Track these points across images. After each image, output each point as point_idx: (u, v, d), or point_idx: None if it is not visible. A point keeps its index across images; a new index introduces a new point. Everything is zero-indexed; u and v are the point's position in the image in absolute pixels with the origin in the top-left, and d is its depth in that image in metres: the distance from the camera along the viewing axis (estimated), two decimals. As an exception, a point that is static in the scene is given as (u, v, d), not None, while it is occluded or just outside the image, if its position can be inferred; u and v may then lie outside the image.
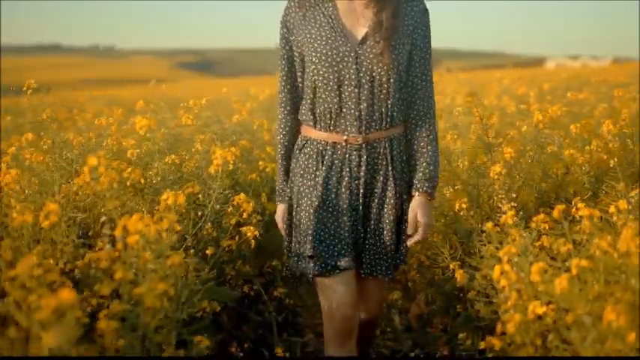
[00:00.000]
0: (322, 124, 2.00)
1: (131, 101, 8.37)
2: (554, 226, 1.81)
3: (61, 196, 1.97)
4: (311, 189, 2.01)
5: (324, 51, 1.96)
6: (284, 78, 2.07)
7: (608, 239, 1.50)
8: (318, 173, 2.01)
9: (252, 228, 2.25)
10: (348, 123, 1.97)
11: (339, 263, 1.98)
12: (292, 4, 2.04)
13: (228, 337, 2.56)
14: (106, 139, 2.71)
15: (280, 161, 2.11)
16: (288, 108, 2.08)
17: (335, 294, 1.99)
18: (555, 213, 1.61)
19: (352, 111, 1.96)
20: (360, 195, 2.00)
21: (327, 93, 1.97)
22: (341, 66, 1.96)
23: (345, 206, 1.99)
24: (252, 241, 2.28)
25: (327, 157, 2.00)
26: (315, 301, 2.63)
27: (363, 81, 1.95)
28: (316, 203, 1.98)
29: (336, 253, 1.98)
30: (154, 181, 2.26)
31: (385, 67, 1.95)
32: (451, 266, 2.19)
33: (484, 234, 1.85)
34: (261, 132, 4.04)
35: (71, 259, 1.78)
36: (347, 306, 1.99)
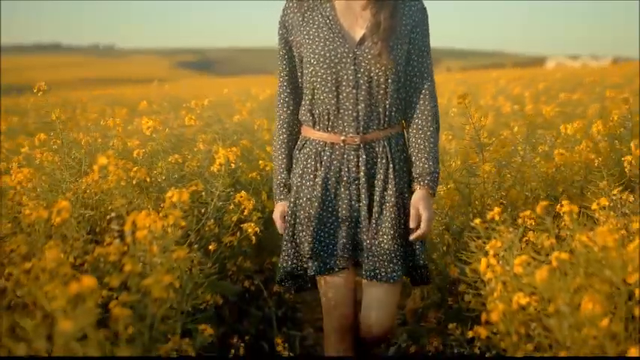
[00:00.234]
0: (321, 125, 2.01)
1: (133, 101, 8.46)
2: (540, 223, 1.91)
3: (71, 194, 2.06)
4: (310, 189, 2.02)
5: (322, 52, 1.97)
6: (285, 78, 2.07)
7: (589, 234, 1.59)
8: (317, 174, 2.01)
9: (252, 224, 2.35)
10: (345, 123, 1.98)
11: (337, 262, 1.99)
12: (291, 4, 2.05)
13: (229, 330, 2.65)
14: (112, 139, 2.81)
15: (280, 160, 2.10)
16: (290, 108, 2.08)
17: (333, 293, 2.02)
18: (538, 209, 1.70)
19: (350, 111, 1.97)
20: (361, 195, 1.99)
21: (325, 94, 1.98)
22: (339, 67, 1.96)
23: (344, 207, 1.99)
24: (253, 237, 2.37)
25: (325, 158, 2.00)
26: (313, 296, 2.73)
27: (361, 82, 1.96)
28: (316, 204, 1.99)
29: (334, 253, 1.99)
30: (159, 180, 2.36)
31: (383, 68, 1.96)
32: (443, 262, 2.28)
33: (473, 230, 1.95)
34: (261, 132, 4.13)
35: (81, 253, 1.87)
36: (344, 305, 2.02)
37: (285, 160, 2.10)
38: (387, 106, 1.99)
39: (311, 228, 1.99)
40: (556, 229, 1.74)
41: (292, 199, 2.04)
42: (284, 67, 2.07)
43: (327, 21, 2.00)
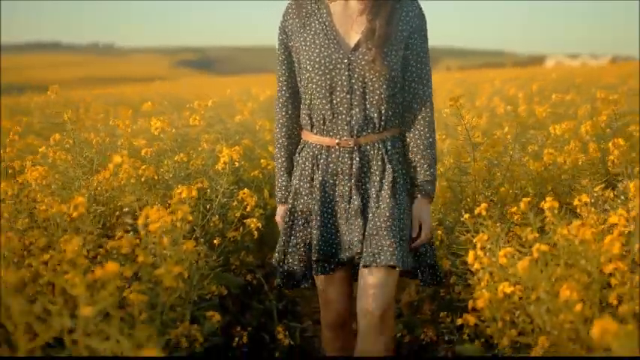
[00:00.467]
0: (317, 129, 2.04)
1: (135, 100, 8.58)
2: (525, 218, 2.03)
3: (85, 191, 2.19)
4: (307, 191, 2.06)
5: (318, 59, 1.99)
6: (284, 83, 2.11)
7: (570, 228, 1.72)
8: (314, 176, 2.05)
9: (255, 220, 2.47)
10: (340, 127, 2.00)
11: (333, 264, 2.04)
12: (291, 10, 2.07)
13: (233, 321, 2.77)
14: (120, 138, 2.93)
15: (280, 163, 2.14)
16: (289, 112, 2.11)
17: (329, 291, 2.09)
18: (522, 205, 1.82)
19: (344, 116, 2.00)
20: (352, 197, 2.01)
21: (319, 99, 2.01)
22: (334, 73, 1.98)
23: (340, 208, 2.03)
24: (255, 232, 2.49)
25: (322, 161, 2.04)
26: (312, 291, 2.85)
27: (355, 87, 1.98)
28: (314, 206, 2.03)
29: (331, 254, 2.04)
30: (167, 178, 2.48)
31: (377, 75, 1.97)
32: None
33: (464, 225, 2.08)
34: (262, 132, 4.26)
35: (95, 246, 1.99)
36: (339, 302, 2.10)
37: (284, 164, 2.14)
38: (383, 111, 2.01)
39: (309, 230, 2.05)
40: (540, 224, 1.86)
41: (291, 201, 2.09)
42: (283, 71, 2.10)
43: (324, 27, 2.02)
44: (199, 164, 2.82)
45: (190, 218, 1.93)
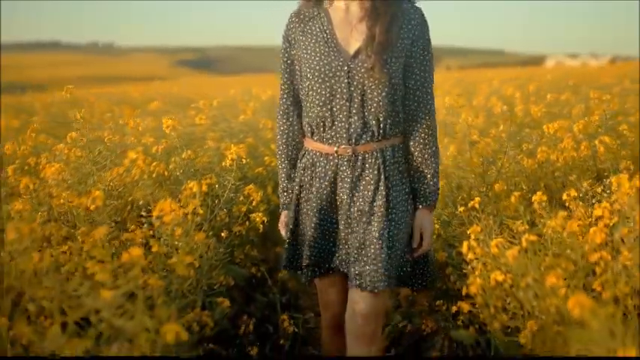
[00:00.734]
0: (317, 136, 2.04)
1: (138, 100, 8.70)
2: (516, 211, 2.15)
3: (102, 186, 2.30)
4: (305, 197, 2.08)
5: (317, 67, 1.99)
6: (286, 91, 2.12)
7: (557, 220, 1.83)
8: (312, 183, 2.06)
9: (260, 214, 2.58)
10: (338, 135, 2.00)
11: (328, 268, 2.08)
12: (294, 19, 2.07)
13: (239, 311, 2.89)
14: (129, 137, 3.04)
15: (282, 169, 2.16)
16: (290, 119, 2.12)
17: (326, 295, 2.15)
18: (512, 199, 1.94)
19: (343, 123, 1.99)
20: (347, 204, 2.01)
21: (319, 107, 2.00)
22: (333, 81, 1.98)
23: (334, 217, 2.04)
24: (260, 226, 2.60)
25: (319, 168, 2.04)
26: (314, 286, 2.97)
27: (354, 95, 1.97)
28: (311, 213, 2.05)
29: (327, 260, 2.07)
30: (177, 174, 2.60)
31: (376, 82, 1.95)
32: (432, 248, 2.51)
33: (459, 218, 2.20)
34: (265, 131, 4.38)
35: (111, 238, 2.10)
36: (335, 305, 2.15)
37: (285, 170, 2.15)
38: (382, 119, 1.99)
39: (307, 236, 2.06)
40: (530, 217, 1.98)
41: (292, 207, 2.11)
42: (286, 79, 2.11)
43: (324, 35, 2.02)
44: (206, 161, 2.94)
45: (201, 211, 2.05)
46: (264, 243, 3.48)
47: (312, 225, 2.04)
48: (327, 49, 2.00)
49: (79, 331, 1.31)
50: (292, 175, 2.15)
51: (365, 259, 1.98)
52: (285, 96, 2.13)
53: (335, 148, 2.01)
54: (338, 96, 1.98)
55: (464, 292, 1.83)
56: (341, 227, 2.03)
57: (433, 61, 2.06)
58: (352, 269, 2.00)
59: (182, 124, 3.45)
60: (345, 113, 1.98)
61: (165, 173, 2.50)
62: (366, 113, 1.98)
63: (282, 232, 2.19)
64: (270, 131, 4.42)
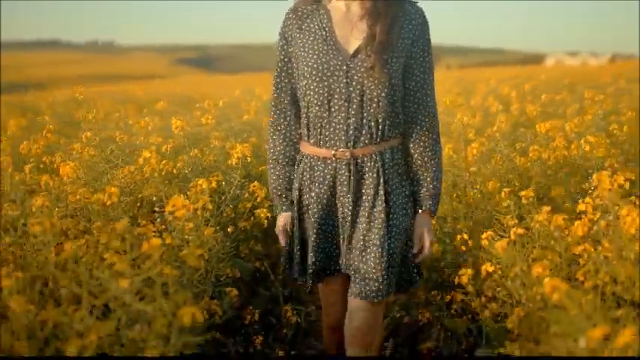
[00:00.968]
0: (313, 140, 1.99)
1: (142, 99, 8.82)
2: (507, 206, 2.28)
3: (117, 182, 2.43)
4: (305, 203, 2.03)
5: (315, 65, 1.94)
6: (283, 89, 2.06)
7: (543, 215, 1.96)
8: (312, 187, 2.01)
9: (265, 210, 2.71)
10: (336, 137, 1.95)
11: (328, 272, 2.06)
12: (291, 15, 2.03)
13: (244, 303, 3.02)
14: (139, 136, 3.17)
15: (279, 170, 2.10)
16: (288, 119, 2.07)
17: (329, 298, 2.14)
18: (502, 195, 2.07)
19: (341, 125, 1.94)
20: (347, 211, 1.98)
21: (317, 107, 1.96)
22: (331, 80, 1.93)
23: (336, 221, 2.01)
24: (265, 221, 2.73)
25: (318, 173, 2.00)
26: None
27: (353, 95, 1.92)
28: (312, 219, 2.01)
29: (327, 265, 2.05)
30: (186, 172, 2.73)
31: (376, 82, 1.91)
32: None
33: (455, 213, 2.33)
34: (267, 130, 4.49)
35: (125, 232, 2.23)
36: (336, 307, 2.13)
37: (282, 171, 2.09)
38: (380, 121, 1.94)
39: (309, 242, 2.03)
40: (518, 211, 2.11)
41: (294, 212, 2.06)
42: (283, 77, 2.05)
43: (323, 33, 1.97)
44: (212, 160, 3.07)
45: (210, 207, 2.18)
46: (266, 239, 3.60)
47: (314, 230, 2.00)
48: (325, 47, 1.95)
49: (101, 315, 1.44)
50: (291, 177, 2.08)
51: (365, 267, 1.95)
52: (283, 94, 2.06)
53: (333, 152, 1.96)
54: (336, 96, 1.93)
55: (456, 281, 1.95)
56: (341, 231, 2.00)
57: (433, 62, 2.03)
58: (352, 278, 1.99)
59: (189, 124, 3.58)
60: (343, 114, 1.94)
61: (174, 171, 2.62)
62: (365, 114, 1.93)
63: (280, 237, 2.13)
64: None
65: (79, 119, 5.93)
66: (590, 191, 2.27)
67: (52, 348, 1.37)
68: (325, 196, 1.99)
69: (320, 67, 1.94)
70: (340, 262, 2.03)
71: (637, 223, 1.70)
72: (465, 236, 2.04)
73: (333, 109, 1.94)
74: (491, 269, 1.98)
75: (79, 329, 1.36)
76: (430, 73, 2.01)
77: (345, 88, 1.93)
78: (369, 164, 1.96)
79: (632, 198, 2.07)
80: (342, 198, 1.98)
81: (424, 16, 1.99)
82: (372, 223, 1.95)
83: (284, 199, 2.09)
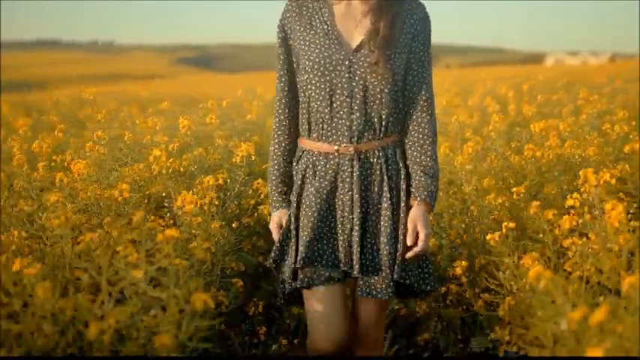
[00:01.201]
0: (315, 135, 1.96)
1: (145, 99, 8.93)
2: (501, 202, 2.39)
3: (129, 179, 2.54)
4: (305, 199, 1.96)
5: (317, 59, 1.92)
6: (285, 83, 2.02)
7: (533, 209, 2.07)
8: (313, 183, 1.95)
9: (268, 207, 2.81)
10: (339, 133, 1.92)
11: (328, 275, 1.92)
12: (290, 7, 1.99)
13: (248, 296, 3.12)
14: (146, 135, 3.28)
15: (277, 167, 2.05)
16: (291, 114, 2.02)
17: (322, 307, 1.92)
18: (494, 192, 2.17)
19: (343, 120, 1.92)
20: (354, 208, 1.92)
21: (318, 102, 1.93)
22: (333, 74, 1.91)
23: (338, 218, 1.94)
24: (268, 217, 2.83)
25: (319, 168, 1.95)
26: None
27: (356, 90, 1.90)
28: (309, 214, 1.93)
29: (326, 265, 1.93)
30: (192, 169, 2.83)
31: (379, 77, 1.89)
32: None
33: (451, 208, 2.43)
34: (270, 130, 4.61)
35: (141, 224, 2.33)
36: (332, 325, 1.93)
37: (282, 168, 2.05)
38: (384, 116, 1.92)
39: (304, 239, 1.92)
40: (511, 206, 2.22)
41: (291, 209, 1.99)
42: (285, 71, 2.01)
43: (325, 26, 1.95)
44: (216, 158, 3.17)
45: (216, 202, 2.28)
46: (269, 235, 3.70)
47: (310, 227, 1.92)
48: (327, 42, 1.93)
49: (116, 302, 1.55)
50: (289, 173, 2.04)
51: (373, 264, 1.92)
52: (286, 89, 2.02)
53: (336, 147, 1.93)
54: (339, 91, 1.91)
55: (451, 273, 2.06)
56: (338, 230, 1.94)
57: (432, 57, 2.01)
58: (361, 277, 1.93)
59: (194, 123, 3.69)
60: (346, 110, 1.91)
61: (181, 169, 2.73)
62: (369, 110, 1.91)
63: (274, 233, 2.06)
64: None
65: (82, 119, 6.03)
66: (580, 187, 2.38)
67: (73, 331, 1.48)
68: (325, 192, 1.93)
69: (322, 62, 1.92)
70: (341, 265, 1.93)
71: (622, 216, 1.80)
72: (461, 230, 2.15)
73: (335, 104, 1.92)
74: (484, 261, 2.09)
75: (98, 314, 1.46)
76: (428, 68, 1.99)
77: (347, 83, 1.91)
78: (372, 160, 1.94)
79: (620, 194, 2.18)
80: (342, 196, 1.93)
81: (425, 11, 1.99)
82: (378, 223, 1.93)
83: (282, 196, 2.06)
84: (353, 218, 1.92)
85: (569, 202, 2.07)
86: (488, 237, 1.92)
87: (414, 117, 1.97)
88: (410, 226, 1.92)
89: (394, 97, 1.94)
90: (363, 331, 2.02)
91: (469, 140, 3.36)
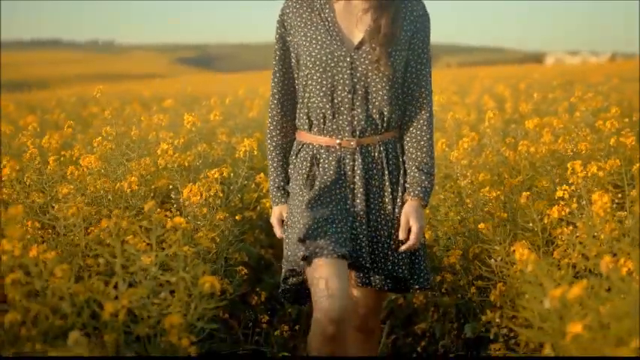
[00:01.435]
0: (316, 129, 1.97)
1: (147, 98, 9.04)
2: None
3: (137, 173, 2.64)
4: (307, 191, 1.95)
5: (319, 56, 1.93)
6: (280, 79, 2.03)
7: (523, 199, 2.16)
8: (315, 174, 1.96)
9: (270, 201, 2.91)
10: (341, 128, 1.95)
11: (331, 249, 1.87)
12: (290, 3, 2.00)
13: (251, 287, 3.22)
14: (149, 132, 3.38)
15: (275, 162, 2.06)
16: (284, 110, 2.04)
17: (332, 282, 1.85)
18: (487, 186, 2.26)
19: (345, 116, 1.94)
20: (356, 200, 1.95)
21: (320, 98, 1.95)
22: (335, 71, 1.93)
23: (339, 207, 1.94)
24: (270, 210, 2.93)
25: (322, 160, 1.96)
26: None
27: (358, 86, 1.93)
28: (309, 197, 1.93)
29: (330, 240, 1.88)
30: (197, 164, 2.93)
31: (380, 75, 1.92)
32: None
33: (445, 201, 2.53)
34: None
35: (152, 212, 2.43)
36: (339, 295, 1.85)
37: (280, 163, 2.06)
38: (385, 113, 1.95)
39: (305, 219, 1.91)
40: (504, 198, 2.32)
41: (290, 204, 2.00)
42: (280, 67, 2.03)
43: (326, 23, 1.96)
44: (220, 153, 3.28)
45: (221, 195, 2.38)
46: (270, 228, 3.80)
47: (311, 211, 1.91)
48: (328, 38, 1.95)
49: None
50: (286, 169, 2.06)
51: (372, 257, 1.95)
52: (280, 85, 2.04)
53: (338, 141, 1.95)
54: (340, 87, 1.93)
55: (445, 262, 2.16)
56: (340, 217, 1.93)
57: (431, 55, 2.03)
58: (359, 267, 1.96)
59: (199, 120, 3.79)
60: (347, 106, 1.94)
61: (186, 164, 2.83)
62: (370, 106, 1.94)
63: (276, 229, 2.09)
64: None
65: (86, 117, 6.12)
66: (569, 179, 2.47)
67: (88, 312, 1.57)
68: (327, 183, 1.94)
69: (323, 58, 1.93)
70: (338, 241, 1.89)
71: (607, 206, 1.90)
72: (456, 223, 2.24)
73: (336, 100, 1.94)
74: (477, 250, 2.19)
75: (112, 294, 1.56)
76: (427, 65, 2.01)
77: (348, 80, 1.93)
78: (373, 154, 1.97)
79: (608, 186, 2.28)
80: (344, 188, 1.95)
81: (425, 9, 2.01)
82: (379, 216, 1.96)
83: (281, 191, 2.07)
84: (355, 210, 1.95)
85: (559, 194, 2.17)
86: (480, 225, 2.01)
87: (412, 113, 2.00)
88: (403, 220, 1.95)
89: (395, 93, 1.97)
90: (362, 319, 2.06)
91: (465, 136, 3.46)
